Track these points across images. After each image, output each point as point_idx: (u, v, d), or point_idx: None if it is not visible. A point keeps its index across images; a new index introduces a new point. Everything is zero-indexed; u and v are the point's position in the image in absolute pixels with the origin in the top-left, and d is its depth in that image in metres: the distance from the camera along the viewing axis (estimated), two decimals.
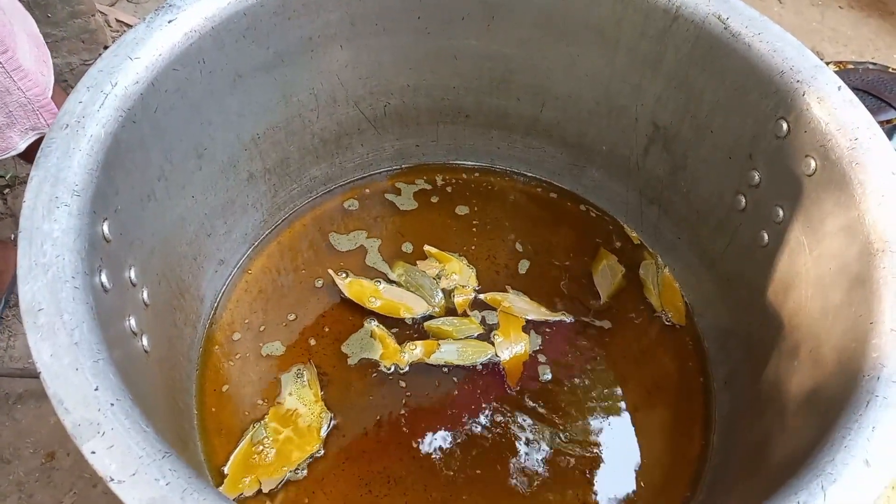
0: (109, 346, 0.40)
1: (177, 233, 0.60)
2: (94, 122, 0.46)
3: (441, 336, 0.66)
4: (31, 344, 0.37)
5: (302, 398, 0.62)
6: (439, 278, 0.69)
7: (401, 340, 0.66)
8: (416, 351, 0.65)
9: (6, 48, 0.70)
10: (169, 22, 0.53)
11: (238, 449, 0.59)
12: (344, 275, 0.69)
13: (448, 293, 0.69)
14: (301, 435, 0.60)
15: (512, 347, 0.66)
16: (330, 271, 0.69)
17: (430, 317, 0.68)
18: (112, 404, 0.36)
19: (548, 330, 0.68)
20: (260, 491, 0.58)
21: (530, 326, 0.68)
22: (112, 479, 0.33)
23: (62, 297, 0.39)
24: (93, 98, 0.47)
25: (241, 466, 0.59)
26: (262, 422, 0.61)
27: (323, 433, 0.61)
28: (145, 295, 0.52)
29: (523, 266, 0.72)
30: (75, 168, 0.44)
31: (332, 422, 0.61)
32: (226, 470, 0.58)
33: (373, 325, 0.67)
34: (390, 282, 0.69)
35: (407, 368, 0.64)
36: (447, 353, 0.65)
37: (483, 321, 0.68)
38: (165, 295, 0.58)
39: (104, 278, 0.44)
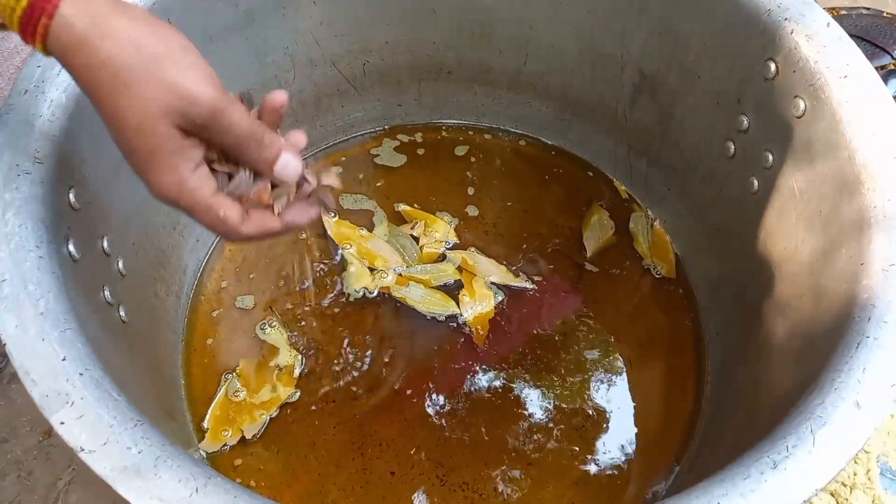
0: (80, 316, 0.39)
1: (153, 202, 0.58)
2: (54, 86, 0.45)
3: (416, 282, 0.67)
4: None
5: (273, 344, 0.63)
6: (419, 238, 0.69)
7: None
8: (387, 279, 0.66)
9: None
10: None
11: (214, 402, 0.60)
12: (332, 215, 0.69)
13: (421, 248, 0.68)
14: (274, 380, 0.61)
15: (476, 306, 0.65)
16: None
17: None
18: (81, 374, 0.35)
19: (537, 286, 0.67)
20: (244, 438, 0.58)
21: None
22: (83, 450, 0.33)
23: (26, 267, 0.38)
24: (52, 61, 0.45)
25: (220, 419, 0.59)
26: (235, 372, 0.61)
27: (296, 375, 0.61)
28: (121, 265, 0.51)
29: (510, 221, 0.71)
30: (36, 135, 0.42)
31: (304, 364, 0.62)
32: (205, 425, 0.59)
33: (349, 250, 0.67)
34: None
35: (375, 293, 0.65)
36: (412, 293, 0.65)
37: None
38: (143, 265, 0.56)
39: (72, 248, 0.43)
